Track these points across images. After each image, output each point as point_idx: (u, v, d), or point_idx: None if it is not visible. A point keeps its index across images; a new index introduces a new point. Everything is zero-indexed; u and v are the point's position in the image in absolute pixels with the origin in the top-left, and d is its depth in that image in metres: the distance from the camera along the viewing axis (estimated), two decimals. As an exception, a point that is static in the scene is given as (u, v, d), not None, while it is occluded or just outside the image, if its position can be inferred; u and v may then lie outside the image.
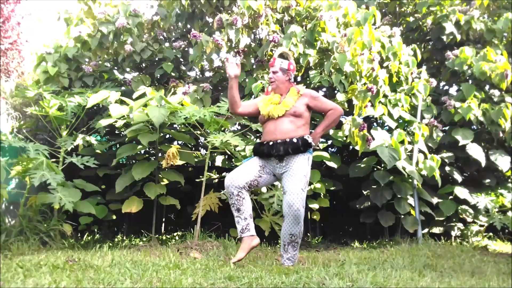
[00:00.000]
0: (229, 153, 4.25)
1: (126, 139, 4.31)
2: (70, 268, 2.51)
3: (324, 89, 5.43)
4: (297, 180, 2.90)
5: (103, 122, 4.14)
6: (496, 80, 4.69)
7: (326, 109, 3.07)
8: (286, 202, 2.88)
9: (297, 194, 2.87)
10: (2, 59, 8.05)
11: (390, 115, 4.54)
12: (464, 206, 4.75)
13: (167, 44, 5.14)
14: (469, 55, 4.81)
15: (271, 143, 2.94)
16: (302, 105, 3.02)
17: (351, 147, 5.31)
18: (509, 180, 5.09)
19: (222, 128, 4.13)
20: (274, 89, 3.09)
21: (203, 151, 4.98)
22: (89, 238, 4.81)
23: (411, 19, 5.78)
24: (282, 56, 3.12)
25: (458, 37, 5.17)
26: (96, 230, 4.98)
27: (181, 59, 5.19)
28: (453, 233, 4.82)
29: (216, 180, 4.85)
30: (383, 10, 5.88)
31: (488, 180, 5.07)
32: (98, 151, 4.52)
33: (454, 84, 5.49)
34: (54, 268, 2.50)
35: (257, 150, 3.05)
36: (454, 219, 4.90)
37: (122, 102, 4.24)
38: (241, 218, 2.94)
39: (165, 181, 4.41)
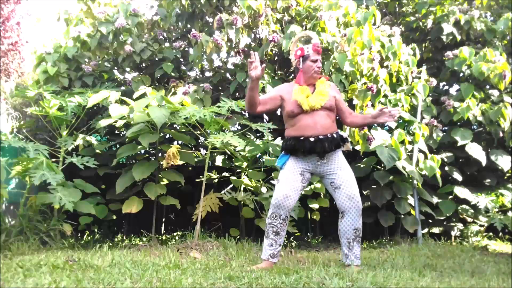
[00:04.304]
0: (229, 153, 4.25)
1: (127, 139, 4.31)
2: (70, 268, 2.51)
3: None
4: (349, 172, 2.81)
5: (103, 123, 4.13)
6: (494, 80, 4.70)
7: (346, 111, 2.95)
8: (345, 195, 2.76)
9: (355, 185, 2.79)
10: (2, 59, 8.04)
11: (390, 115, 4.53)
12: (464, 206, 4.75)
13: (167, 44, 5.14)
14: (467, 55, 4.81)
15: (312, 139, 2.75)
16: (332, 97, 2.88)
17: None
18: (510, 180, 5.08)
19: (222, 128, 4.13)
20: (314, 79, 2.88)
21: (203, 151, 4.98)
22: (89, 238, 4.81)
23: (411, 19, 5.78)
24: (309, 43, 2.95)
25: (458, 37, 5.17)
26: (96, 230, 4.98)
27: (181, 59, 5.19)
28: (453, 233, 4.82)
29: (216, 180, 4.85)
30: (383, 10, 5.88)
31: (488, 180, 5.07)
32: (98, 151, 4.52)
33: (454, 84, 5.49)
34: (54, 268, 2.50)
35: (293, 146, 2.79)
36: (454, 219, 4.90)
37: (122, 102, 4.24)
38: (276, 242, 2.80)
39: (165, 181, 4.41)
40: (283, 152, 2.91)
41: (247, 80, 4.44)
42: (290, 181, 2.79)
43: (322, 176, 2.87)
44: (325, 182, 2.88)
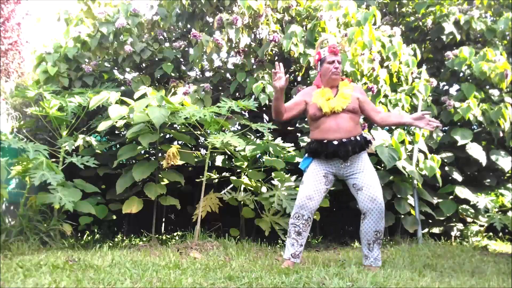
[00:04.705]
0: (229, 153, 4.25)
1: (127, 139, 4.31)
2: (70, 268, 2.51)
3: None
4: (372, 174, 2.80)
5: (102, 126, 4.08)
6: (495, 80, 4.70)
7: (373, 110, 2.91)
8: (367, 197, 2.74)
9: (378, 187, 2.77)
10: (3, 59, 8.05)
11: (390, 115, 4.54)
12: (464, 206, 4.75)
13: (167, 44, 5.14)
14: (467, 55, 4.81)
15: (335, 142, 2.76)
16: (356, 99, 2.86)
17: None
18: (510, 180, 5.08)
19: (222, 128, 4.13)
20: (334, 81, 2.88)
21: (203, 151, 4.98)
22: (89, 238, 4.81)
23: (411, 19, 5.78)
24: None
25: (458, 37, 5.17)
26: (96, 230, 4.98)
27: (181, 59, 5.19)
28: (453, 233, 4.82)
29: (216, 180, 4.85)
30: (383, 10, 5.89)
31: (488, 180, 5.07)
32: (98, 151, 4.52)
33: (454, 84, 5.49)
34: (54, 268, 2.50)
35: (316, 150, 2.82)
36: (454, 219, 4.90)
37: (122, 102, 4.24)
38: (297, 243, 2.81)
39: (165, 181, 4.41)
40: (306, 154, 2.93)
41: (247, 80, 4.46)
42: (313, 183, 2.81)
43: (345, 178, 2.87)
44: (348, 183, 2.89)
